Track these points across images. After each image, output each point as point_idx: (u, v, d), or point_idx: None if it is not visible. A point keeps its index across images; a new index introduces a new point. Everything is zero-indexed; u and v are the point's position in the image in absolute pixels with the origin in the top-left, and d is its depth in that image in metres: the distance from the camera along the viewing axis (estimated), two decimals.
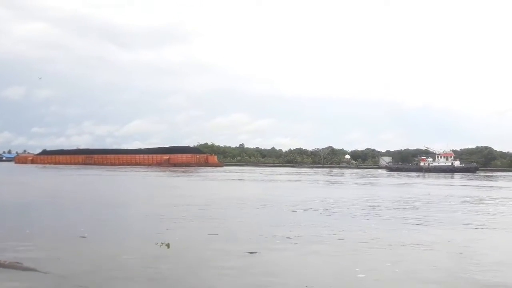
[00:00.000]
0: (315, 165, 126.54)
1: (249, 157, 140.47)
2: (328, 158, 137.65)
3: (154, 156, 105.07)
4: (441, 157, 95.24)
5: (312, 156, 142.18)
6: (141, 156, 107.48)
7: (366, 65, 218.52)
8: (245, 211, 17.06)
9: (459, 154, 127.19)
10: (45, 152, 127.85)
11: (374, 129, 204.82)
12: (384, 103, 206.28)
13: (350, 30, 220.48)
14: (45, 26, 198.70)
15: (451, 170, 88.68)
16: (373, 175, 67.72)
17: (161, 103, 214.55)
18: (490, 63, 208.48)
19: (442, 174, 79.13)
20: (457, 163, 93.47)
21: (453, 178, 64.79)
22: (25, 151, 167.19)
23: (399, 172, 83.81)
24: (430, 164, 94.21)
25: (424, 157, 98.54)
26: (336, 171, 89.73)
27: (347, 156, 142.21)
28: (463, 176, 70.92)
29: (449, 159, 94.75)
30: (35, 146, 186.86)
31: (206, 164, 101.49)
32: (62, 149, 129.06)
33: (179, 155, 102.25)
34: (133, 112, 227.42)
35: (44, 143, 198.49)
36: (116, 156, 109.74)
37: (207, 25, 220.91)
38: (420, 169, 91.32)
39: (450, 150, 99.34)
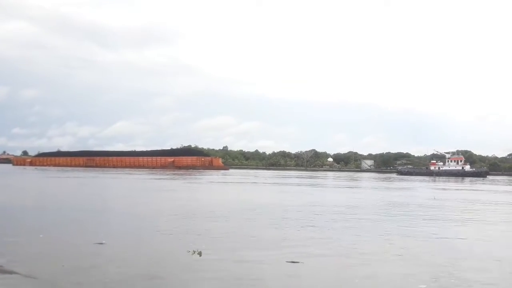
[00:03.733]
0: (298, 168, 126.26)
1: (233, 159, 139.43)
2: (311, 161, 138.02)
3: (158, 158, 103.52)
4: (451, 161, 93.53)
5: (295, 159, 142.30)
6: (145, 158, 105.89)
7: (350, 70, 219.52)
8: (265, 218, 15.83)
9: (439, 158, 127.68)
10: (44, 154, 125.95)
11: (357, 133, 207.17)
12: (367, 107, 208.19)
13: (333, 36, 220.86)
14: (25, 25, 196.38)
15: (462, 174, 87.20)
16: (356, 179, 66.35)
17: (145, 105, 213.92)
18: (471, 69, 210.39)
19: (452, 178, 77.52)
20: (467, 167, 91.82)
21: (463, 182, 63.24)
22: (4, 152, 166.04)
23: (409, 176, 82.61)
24: (441, 168, 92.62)
25: (435, 161, 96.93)
26: (321, 174, 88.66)
27: (330, 159, 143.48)
28: (473, 180, 69.66)
29: (459, 163, 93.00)
30: (16, 147, 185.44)
31: (211, 166, 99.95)
32: (60, 150, 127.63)
33: (184, 158, 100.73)
34: (116, 113, 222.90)
35: (25, 145, 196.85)
36: (119, 158, 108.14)
37: (190, 26, 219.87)
38: (430, 173, 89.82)
39: (460, 154, 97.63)
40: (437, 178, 76.16)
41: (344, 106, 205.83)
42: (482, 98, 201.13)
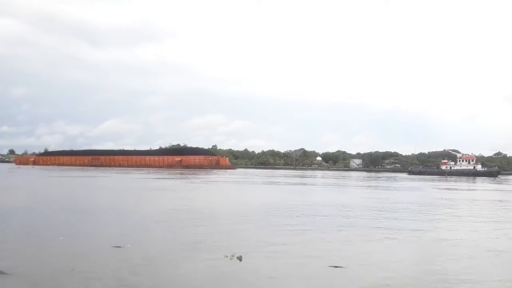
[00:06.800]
0: (287, 167, 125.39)
1: None
2: (300, 160, 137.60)
3: (165, 157, 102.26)
4: (463, 161, 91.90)
5: (285, 158, 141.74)
6: (151, 157, 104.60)
7: (340, 69, 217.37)
8: (292, 218, 15.08)
9: (427, 157, 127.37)
10: (47, 153, 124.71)
11: (346, 132, 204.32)
12: (356, 107, 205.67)
13: (324, 36, 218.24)
14: (13, 23, 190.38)
15: (474, 174, 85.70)
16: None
17: (135, 103, 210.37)
18: (459, 69, 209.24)
19: (464, 178, 76.13)
20: (479, 167, 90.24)
21: (475, 182, 61.95)
22: None
23: (421, 176, 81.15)
24: (452, 168, 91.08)
25: (446, 161, 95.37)
26: (311, 173, 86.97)
27: (319, 158, 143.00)
28: (485, 180, 68.36)
29: (471, 162, 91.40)
30: (2, 146, 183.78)
31: (218, 166, 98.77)
32: (65, 149, 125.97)
33: (191, 157, 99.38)
34: (106, 112, 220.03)
35: (13, 143, 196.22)
36: (125, 157, 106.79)
37: (180, 25, 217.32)
38: (442, 173, 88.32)
39: (473, 154, 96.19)
40: (448, 178, 74.89)
41: (333, 106, 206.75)
42: (469, 98, 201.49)
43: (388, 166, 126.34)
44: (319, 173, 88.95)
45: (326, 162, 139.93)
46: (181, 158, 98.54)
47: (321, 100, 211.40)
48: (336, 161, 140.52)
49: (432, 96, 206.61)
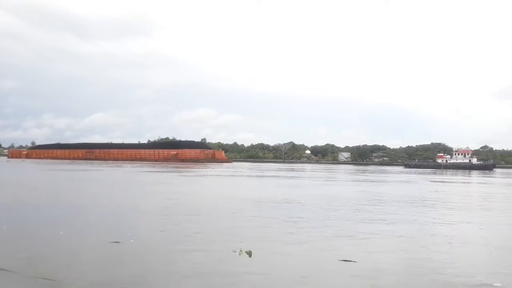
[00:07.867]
0: (276, 160, 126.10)
1: None
2: (289, 154, 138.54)
3: (161, 151, 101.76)
4: (458, 154, 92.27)
5: (274, 151, 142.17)
6: (147, 151, 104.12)
7: (330, 64, 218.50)
8: (297, 212, 14.92)
9: (414, 150, 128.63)
10: (40, 146, 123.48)
11: (336, 126, 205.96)
12: (345, 101, 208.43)
13: (313, 30, 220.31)
14: (1, 14, 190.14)
15: (469, 167, 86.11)
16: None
17: (124, 96, 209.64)
18: (447, 65, 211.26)
19: (460, 171, 76.39)
20: (474, 160, 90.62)
21: (471, 175, 62.11)
22: None
23: (416, 169, 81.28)
24: (448, 161, 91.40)
25: (442, 154, 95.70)
26: (299, 166, 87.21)
27: (308, 152, 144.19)
28: (480, 173, 68.61)
29: (466, 156, 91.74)
30: None
31: (214, 159, 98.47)
32: (55, 142, 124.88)
33: (187, 150, 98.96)
34: (95, 105, 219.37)
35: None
36: (120, 150, 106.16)
37: (170, 18, 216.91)
38: (438, 166, 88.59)
39: (468, 148, 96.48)
40: (444, 171, 75.07)
41: (323, 100, 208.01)
42: (457, 93, 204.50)
43: (376, 160, 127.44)
44: (308, 166, 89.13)
45: (315, 156, 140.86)
46: (177, 152, 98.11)
47: (310, 95, 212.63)
48: (324, 154, 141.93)
49: (420, 91, 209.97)
